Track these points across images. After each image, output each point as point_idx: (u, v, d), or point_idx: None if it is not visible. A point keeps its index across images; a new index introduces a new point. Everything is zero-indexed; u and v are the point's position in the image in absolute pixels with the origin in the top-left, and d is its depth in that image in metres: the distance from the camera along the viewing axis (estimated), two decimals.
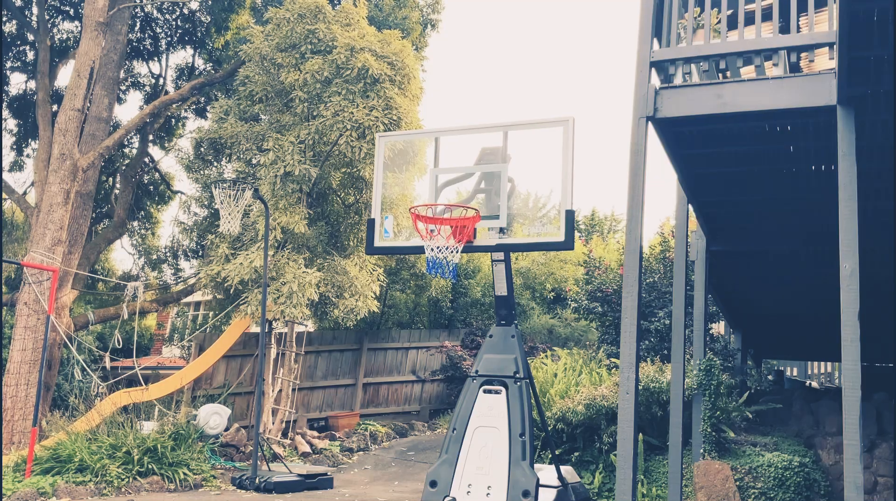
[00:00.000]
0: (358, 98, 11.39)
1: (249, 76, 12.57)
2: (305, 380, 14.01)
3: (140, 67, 17.44)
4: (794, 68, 5.11)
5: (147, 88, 17.41)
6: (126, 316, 13.17)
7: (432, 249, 5.17)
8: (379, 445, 13.16)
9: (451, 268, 5.16)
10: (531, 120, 5.36)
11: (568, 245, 5.01)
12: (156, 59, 17.26)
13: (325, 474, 9.71)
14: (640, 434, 8.01)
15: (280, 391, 12.41)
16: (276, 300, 10.93)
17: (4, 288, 15.71)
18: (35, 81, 15.40)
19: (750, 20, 5.38)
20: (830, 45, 4.85)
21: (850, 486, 4.22)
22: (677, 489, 6.91)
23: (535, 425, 6.64)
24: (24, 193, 15.90)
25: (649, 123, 5.14)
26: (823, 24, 5.19)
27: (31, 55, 16.40)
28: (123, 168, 16.33)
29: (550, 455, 6.21)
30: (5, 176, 16.51)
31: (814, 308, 9.73)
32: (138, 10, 15.96)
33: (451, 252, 5.18)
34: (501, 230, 5.21)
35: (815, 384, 14.90)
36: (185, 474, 9.18)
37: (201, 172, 13.07)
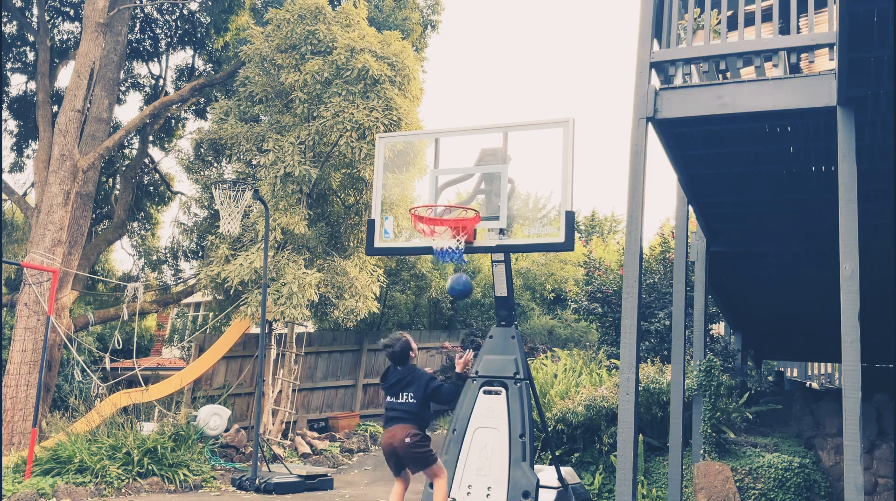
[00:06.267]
0: (358, 99, 11.39)
1: (249, 77, 12.57)
2: (305, 381, 14.00)
3: (140, 68, 17.46)
4: (794, 69, 5.11)
5: (147, 89, 17.42)
6: (126, 317, 13.16)
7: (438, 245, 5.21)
8: (379, 446, 13.15)
9: (458, 254, 5.18)
10: (531, 121, 5.36)
11: (568, 246, 5.01)
12: (155, 59, 17.27)
13: (325, 475, 9.70)
14: (641, 435, 8.01)
15: (280, 392, 12.41)
16: (276, 301, 10.93)
17: (4, 289, 15.70)
18: (35, 82, 15.41)
19: (750, 21, 5.39)
20: (830, 46, 4.85)
21: (851, 487, 4.22)
22: (677, 490, 6.91)
23: (536, 426, 6.63)
24: (24, 194, 15.90)
25: (649, 124, 5.14)
26: (823, 24, 5.19)
27: (31, 56, 16.40)
28: (123, 169, 16.33)
29: (550, 456, 6.20)
30: (5, 177, 16.52)
31: (814, 309, 9.74)
32: (138, 10, 15.97)
33: (453, 253, 5.18)
34: (501, 231, 5.21)
35: (815, 385, 14.90)
36: (185, 475, 9.17)
37: (201, 173, 13.07)
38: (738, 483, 7.36)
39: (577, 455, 8.62)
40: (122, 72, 14.86)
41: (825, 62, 5.03)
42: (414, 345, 5.21)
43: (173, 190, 17.74)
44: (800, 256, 8.07)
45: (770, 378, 13.44)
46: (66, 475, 8.60)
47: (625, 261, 5.12)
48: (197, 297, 18.49)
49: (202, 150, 12.94)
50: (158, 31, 16.91)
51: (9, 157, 16.84)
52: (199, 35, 16.69)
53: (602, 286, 12.10)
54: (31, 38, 15.99)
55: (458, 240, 5.12)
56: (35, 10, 15.29)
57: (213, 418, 10.63)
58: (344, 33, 11.94)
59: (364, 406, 15.14)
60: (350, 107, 11.28)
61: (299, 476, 9.31)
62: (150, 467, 9.03)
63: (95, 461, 8.78)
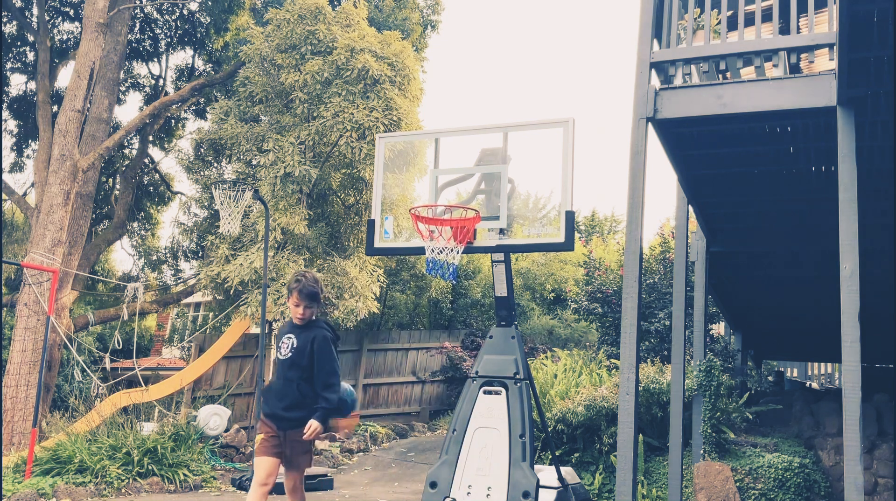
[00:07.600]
0: (358, 99, 11.39)
1: (249, 77, 12.57)
2: None
3: (140, 68, 17.47)
4: (794, 69, 5.10)
5: (147, 89, 17.42)
6: (126, 317, 13.17)
7: (432, 250, 5.16)
8: (379, 446, 13.15)
9: (451, 270, 5.13)
10: (531, 121, 5.35)
11: (568, 246, 4.99)
12: (155, 59, 17.28)
13: (325, 475, 9.70)
14: (641, 435, 8.01)
15: None
16: (275, 301, 10.93)
17: (4, 289, 15.70)
18: (35, 82, 15.41)
19: (750, 21, 5.38)
20: (830, 46, 4.85)
21: (851, 487, 4.22)
22: (677, 490, 6.91)
23: (536, 426, 6.63)
24: (24, 194, 15.91)
25: (649, 124, 5.13)
26: (823, 24, 5.19)
27: (31, 56, 16.41)
28: (123, 169, 16.34)
29: (550, 456, 6.20)
30: (5, 177, 16.51)
31: (814, 309, 9.73)
32: (138, 10, 15.97)
33: (452, 253, 5.17)
34: (501, 231, 5.20)
35: (815, 385, 14.91)
36: (185, 475, 9.17)
37: (201, 173, 13.08)
38: (738, 483, 7.36)
39: (577, 455, 8.62)
40: (122, 72, 14.86)
41: (825, 62, 5.03)
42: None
43: (173, 190, 17.75)
44: (800, 256, 8.07)
45: (770, 378, 13.44)
46: (66, 475, 8.60)
47: (625, 261, 5.12)
48: (197, 297, 18.50)
49: (202, 150, 12.95)
50: (158, 31, 16.91)
51: (9, 157, 16.85)
52: (199, 35, 16.69)
53: (602, 286, 12.10)
54: (31, 38, 15.99)
55: (455, 251, 5.08)
56: (35, 10, 15.29)
57: (213, 418, 10.63)
58: (344, 33, 11.94)
59: (364, 406, 15.14)
60: (350, 107, 11.28)
61: None
62: (150, 467, 9.03)
63: (95, 461, 8.78)
